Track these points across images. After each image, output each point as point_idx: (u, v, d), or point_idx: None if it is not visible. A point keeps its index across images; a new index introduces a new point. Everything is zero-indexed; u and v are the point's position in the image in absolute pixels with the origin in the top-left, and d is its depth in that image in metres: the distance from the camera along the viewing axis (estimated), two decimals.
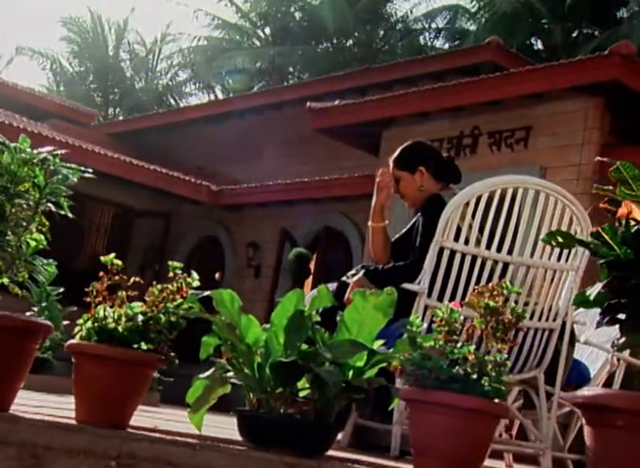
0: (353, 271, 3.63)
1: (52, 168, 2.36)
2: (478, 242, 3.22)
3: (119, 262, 2.39)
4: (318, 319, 2.45)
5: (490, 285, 2.25)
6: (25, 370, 2.27)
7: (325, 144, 12.81)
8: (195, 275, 2.44)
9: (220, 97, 27.60)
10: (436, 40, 24.96)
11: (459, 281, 3.18)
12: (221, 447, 2.12)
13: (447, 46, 23.99)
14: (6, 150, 2.32)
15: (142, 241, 14.49)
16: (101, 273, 2.35)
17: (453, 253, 3.21)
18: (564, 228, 3.20)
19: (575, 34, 21.34)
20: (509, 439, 3.68)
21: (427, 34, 25.22)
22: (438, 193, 3.66)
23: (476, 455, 2.22)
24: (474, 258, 3.21)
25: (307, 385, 2.39)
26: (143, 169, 13.53)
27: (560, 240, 1.99)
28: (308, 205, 12.63)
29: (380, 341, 2.51)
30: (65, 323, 5.30)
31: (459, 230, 3.22)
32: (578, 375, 3.72)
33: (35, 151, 2.36)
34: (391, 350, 2.40)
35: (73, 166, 2.39)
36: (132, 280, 2.38)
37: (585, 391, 1.97)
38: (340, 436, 3.30)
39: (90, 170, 2.41)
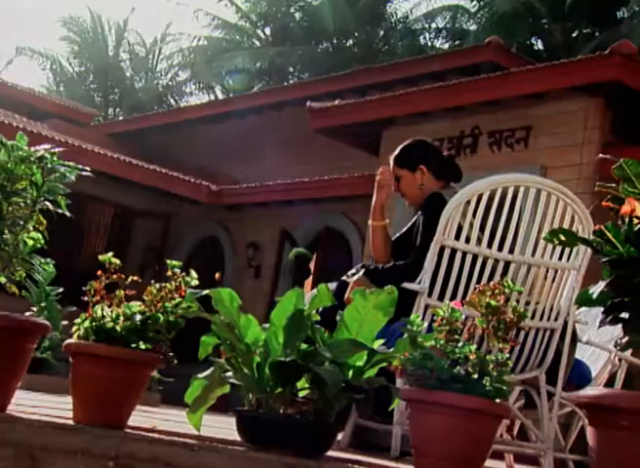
0: (353, 270, 3.61)
1: (49, 166, 2.34)
2: (479, 241, 3.20)
3: (117, 261, 2.37)
4: (318, 318, 2.43)
5: (491, 283, 2.23)
6: (22, 370, 2.26)
7: (325, 144, 12.80)
8: (194, 274, 2.42)
9: (220, 97, 27.59)
10: (436, 40, 24.97)
11: (459, 280, 3.16)
12: (220, 447, 2.11)
13: (447, 46, 23.98)
14: (3, 148, 2.31)
15: (142, 241, 14.48)
16: (99, 272, 2.33)
17: (453, 251, 3.19)
18: (565, 227, 3.18)
19: (575, 34, 21.33)
20: (510, 439, 3.66)
21: (427, 34, 25.22)
22: (439, 192, 3.64)
23: (477, 456, 2.21)
24: (475, 257, 3.19)
25: (307, 385, 2.37)
26: (143, 169, 13.52)
27: (562, 238, 1.97)
28: (308, 205, 12.62)
29: (381, 341, 2.49)
30: (65, 323, 5.29)
31: (459, 229, 3.20)
32: (579, 375, 3.70)
33: (32, 149, 2.34)
34: (392, 350, 2.38)
35: (71, 164, 2.37)
36: (130, 279, 2.36)
37: (590, 391, 1.95)
38: (339, 436, 3.28)
39: (87, 168, 2.39)
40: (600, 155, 2.84)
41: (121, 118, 25.20)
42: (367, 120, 11.10)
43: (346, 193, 11.95)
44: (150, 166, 13.70)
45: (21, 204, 2.32)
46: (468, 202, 3.18)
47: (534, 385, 3.35)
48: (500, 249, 3.21)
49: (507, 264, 3.22)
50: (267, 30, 28.09)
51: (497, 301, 2.18)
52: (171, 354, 2.38)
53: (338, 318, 2.48)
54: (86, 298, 2.33)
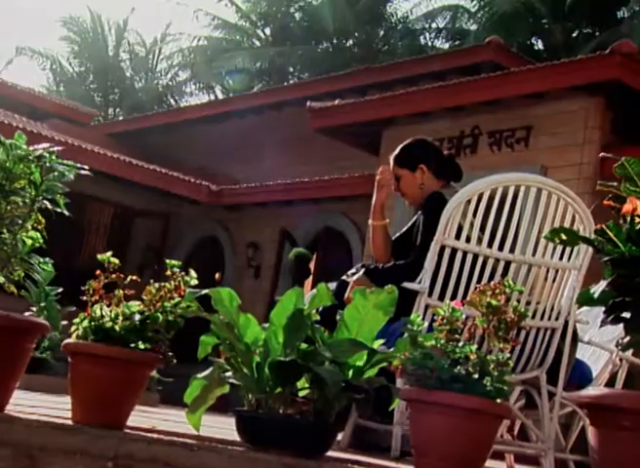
0: (353, 270, 3.60)
1: (48, 165, 2.33)
2: (479, 240, 3.19)
3: (116, 260, 2.36)
4: (318, 318, 2.43)
5: (492, 283, 2.21)
6: (21, 370, 2.25)
7: (325, 144, 12.79)
8: (193, 273, 2.41)
9: (220, 97, 27.58)
10: (436, 40, 24.96)
11: (460, 280, 3.15)
12: (220, 447, 2.10)
13: (447, 46, 23.97)
14: (1, 147, 2.29)
15: (142, 241, 14.47)
16: (98, 271, 2.33)
17: (454, 251, 3.17)
18: (566, 226, 3.16)
19: (575, 34, 21.32)
20: (511, 439, 3.65)
21: (428, 34, 25.20)
22: (439, 191, 3.63)
23: (478, 456, 2.20)
24: (476, 257, 3.18)
25: (307, 385, 2.37)
26: (143, 168, 13.52)
27: (564, 237, 1.96)
28: (308, 205, 12.61)
29: (381, 340, 2.48)
30: (64, 323, 5.28)
31: (460, 228, 3.19)
32: (580, 375, 3.69)
33: (31, 148, 2.33)
34: (392, 349, 2.37)
35: (69, 163, 2.36)
36: (129, 278, 2.35)
37: (591, 391, 1.94)
38: (339, 436, 3.27)
39: (86, 167, 2.38)
40: (602, 153, 2.82)
41: (121, 118, 25.20)
42: (367, 120, 11.09)
43: (346, 193, 11.94)
44: (150, 166, 13.69)
45: (20, 203, 2.31)
46: (469, 201, 3.17)
47: (534, 385, 3.34)
48: (501, 248, 3.20)
49: (508, 264, 3.21)
50: (267, 30, 28.08)
51: (497, 301, 2.17)
52: (170, 354, 2.37)
53: (337, 317, 2.47)
54: (85, 298, 2.32)
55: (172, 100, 29.14)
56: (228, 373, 2.39)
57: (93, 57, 29.27)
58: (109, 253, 2.37)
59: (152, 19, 49.91)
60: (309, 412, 2.33)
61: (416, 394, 2.17)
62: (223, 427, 2.98)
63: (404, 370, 2.19)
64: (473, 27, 23.41)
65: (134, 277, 2.37)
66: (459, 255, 3.17)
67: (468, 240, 3.18)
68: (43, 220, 2.37)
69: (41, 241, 2.38)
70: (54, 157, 2.33)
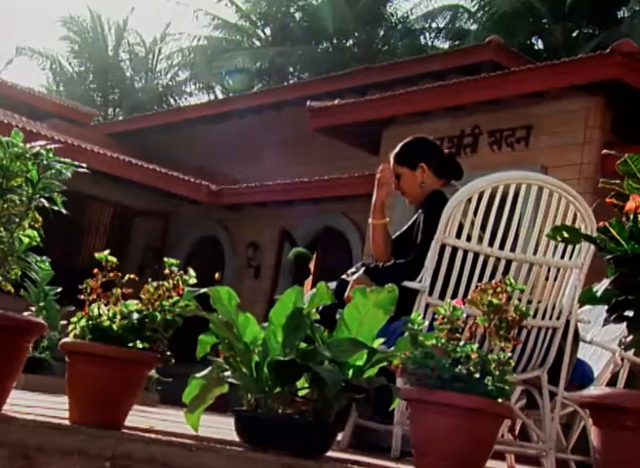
0: (353, 269, 3.58)
1: (45, 163, 2.31)
2: (480, 239, 3.17)
3: (114, 259, 2.34)
4: (317, 317, 2.41)
5: (493, 282, 2.20)
6: (18, 370, 2.23)
7: (325, 144, 12.78)
8: (192, 272, 2.39)
9: (220, 97, 27.57)
10: (436, 40, 24.95)
11: (460, 279, 3.13)
12: (218, 447, 2.08)
13: (447, 46, 23.96)
14: None
15: (141, 241, 14.46)
16: (95, 270, 2.31)
17: (454, 250, 3.16)
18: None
19: (575, 34, 21.31)
20: (512, 439, 3.63)
21: (428, 34, 25.19)
22: (439, 189, 3.61)
23: (479, 456, 2.18)
24: (476, 256, 3.16)
25: (306, 385, 2.35)
26: (143, 168, 13.50)
27: (566, 235, 1.94)
28: (308, 205, 12.59)
29: (381, 340, 2.46)
30: (63, 322, 5.26)
31: (460, 227, 3.17)
32: (581, 375, 3.68)
33: (28, 146, 2.31)
34: (392, 349, 2.35)
35: (67, 160, 2.34)
36: (127, 277, 2.33)
37: (593, 391, 1.92)
38: (339, 436, 3.26)
39: (84, 164, 2.36)
40: (605, 151, 2.80)
41: (121, 118, 25.18)
42: (367, 119, 11.08)
43: (346, 193, 11.93)
44: (150, 165, 13.68)
45: (17, 201, 2.29)
46: (469, 200, 3.15)
47: (535, 385, 3.32)
48: (502, 247, 3.18)
49: (509, 263, 3.19)
50: (267, 30, 28.08)
51: (499, 300, 2.15)
52: (168, 353, 2.35)
53: (337, 317, 2.45)
54: (82, 297, 2.30)
55: (172, 100, 29.13)
56: (227, 373, 2.37)
57: (92, 56, 29.26)
58: (107, 252, 2.35)
59: (152, 19, 49.92)
60: (309, 412, 2.31)
61: (416, 393, 2.15)
62: (222, 427, 2.96)
63: (404, 370, 2.18)
64: (473, 27, 23.41)
65: (132, 276, 2.35)
66: (459, 254, 3.16)
67: (469, 239, 3.17)
68: (40, 219, 2.35)
69: (38, 239, 2.36)
70: (51, 155, 2.31)
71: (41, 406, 2.79)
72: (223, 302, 2.36)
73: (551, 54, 18.89)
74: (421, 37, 25.33)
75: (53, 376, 4.94)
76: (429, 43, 24.95)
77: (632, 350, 2.03)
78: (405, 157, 3.76)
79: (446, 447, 2.12)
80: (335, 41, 26.46)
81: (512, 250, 3.19)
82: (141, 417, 2.93)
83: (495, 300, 2.14)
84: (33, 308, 5.22)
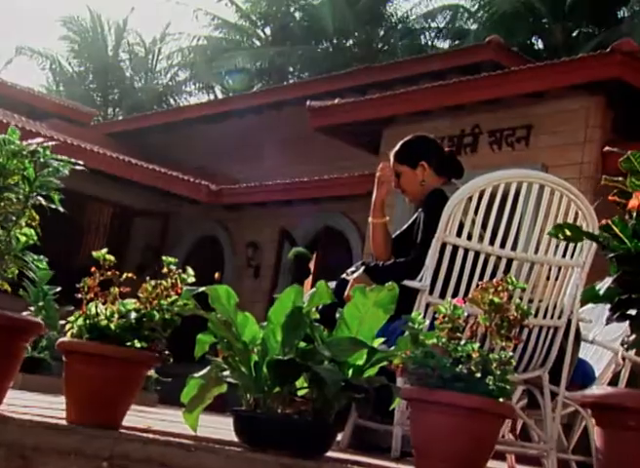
0: (353, 268, 3.56)
1: (42, 160, 2.29)
2: (481, 238, 3.15)
3: (111, 258, 2.33)
4: (317, 316, 2.39)
5: (494, 280, 2.18)
6: (15, 370, 2.21)
7: (325, 144, 12.76)
8: (190, 271, 2.37)
9: (220, 96, 27.56)
10: (436, 40, 24.94)
11: (461, 278, 3.11)
12: (217, 448, 2.06)
13: (447, 45, 23.96)
14: None
15: (141, 240, 14.45)
16: (93, 268, 2.29)
17: (455, 248, 3.14)
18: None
19: (575, 34, 21.30)
20: (513, 440, 3.61)
21: (428, 34, 25.18)
22: (440, 188, 3.59)
23: (480, 456, 2.16)
24: (477, 254, 3.14)
25: (306, 384, 2.33)
26: (142, 168, 13.49)
27: (568, 233, 1.92)
28: (308, 204, 12.58)
29: (381, 339, 2.44)
30: (62, 322, 5.23)
31: (461, 225, 3.15)
32: (583, 375, 3.66)
33: (25, 143, 2.29)
34: (392, 348, 2.33)
35: (64, 158, 2.32)
36: (124, 276, 2.31)
37: (595, 390, 1.90)
38: (339, 436, 3.24)
39: (81, 162, 2.34)
40: (607, 148, 2.77)
41: (120, 118, 25.17)
42: (367, 119, 11.06)
43: (346, 193, 11.92)
44: (150, 165, 13.67)
45: (14, 199, 2.27)
46: (470, 198, 3.13)
47: (537, 385, 3.30)
48: (503, 246, 3.16)
49: (510, 262, 3.17)
50: (267, 30, 28.07)
51: (500, 298, 2.13)
52: (167, 353, 2.33)
53: (337, 316, 2.43)
54: (80, 296, 2.28)
55: (171, 100, 29.12)
56: (226, 373, 2.35)
57: (92, 56, 29.25)
58: (105, 250, 2.33)
59: (152, 19, 49.94)
60: (308, 412, 2.29)
61: (416, 393, 2.14)
62: (221, 427, 2.95)
63: (405, 369, 2.16)
64: (473, 27, 23.39)
65: (130, 274, 2.33)
66: (460, 253, 3.14)
67: (470, 237, 3.15)
68: (37, 217, 2.33)
69: (35, 238, 2.34)
70: (48, 152, 2.29)
71: (38, 405, 2.77)
72: (222, 301, 2.34)
73: (551, 53, 18.87)
74: (421, 37, 25.32)
75: (51, 376, 4.92)
76: (429, 43, 24.94)
77: (634, 350, 2.01)
78: (405, 155, 3.74)
79: (447, 447, 2.10)
80: (335, 41, 26.44)
81: (513, 248, 3.17)
82: (140, 417, 2.91)
83: (496, 299, 2.12)
84: (32, 308, 5.21)
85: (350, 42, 26.59)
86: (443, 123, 10.19)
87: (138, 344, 2.26)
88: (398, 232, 3.76)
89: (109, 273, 2.29)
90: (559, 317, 3.29)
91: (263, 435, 2.24)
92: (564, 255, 3.26)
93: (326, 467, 2.15)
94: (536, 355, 3.25)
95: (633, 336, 1.88)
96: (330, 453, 2.37)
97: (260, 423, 2.27)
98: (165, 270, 2.34)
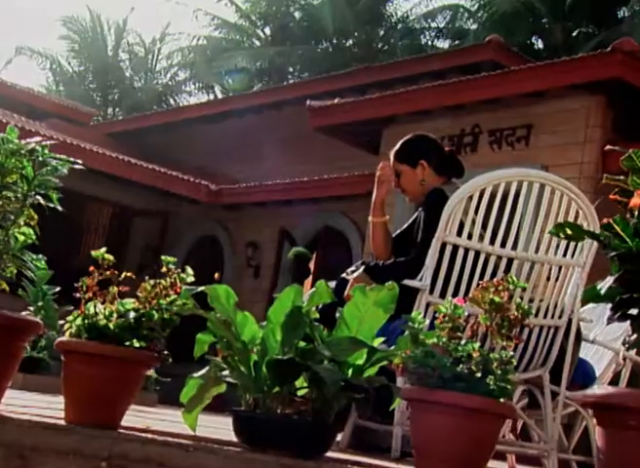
0: (353, 267, 3.55)
1: (40, 159, 2.28)
2: (481, 237, 3.14)
3: (110, 257, 2.31)
4: (317, 316, 2.38)
5: (495, 280, 2.17)
6: (13, 369, 2.20)
7: (324, 144, 12.75)
8: (189, 270, 2.36)
9: (220, 96, 27.54)
10: (436, 40, 24.92)
11: (461, 277, 3.10)
12: (216, 448, 2.05)
13: (447, 45, 23.94)
14: None
15: (141, 240, 14.44)
16: (92, 268, 2.28)
17: (455, 248, 3.13)
18: None
19: (575, 33, 21.29)
20: (514, 440, 3.60)
21: (427, 34, 25.16)
22: (440, 187, 3.58)
23: (480, 457, 2.15)
24: (477, 254, 3.13)
25: (305, 384, 2.32)
26: (142, 168, 13.48)
27: (569, 232, 1.91)
28: (308, 204, 12.57)
29: (381, 339, 2.43)
30: (62, 322, 5.23)
31: (461, 225, 3.14)
32: (583, 375, 3.64)
33: (23, 142, 2.28)
34: (392, 348, 2.32)
35: (62, 157, 2.31)
36: (123, 275, 2.30)
37: (597, 390, 1.89)
38: (339, 437, 3.23)
39: (79, 161, 2.33)
40: (608, 146, 2.77)
41: (120, 118, 25.15)
42: (367, 118, 11.05)
43: (346, 192, 11.91)
44: (149, 165, 13.65)
45: (12, 198, 2.26)
46: (470, 197, 3.12)
47: (537, 384, 3.29)
48: (503, 245, 3.15)
49: (510, 261, 3.16)
50: (267, 30, 28.06)
51: (500, 298, 2.12)
52: (166, 352, 2.32)
53: (337, 315, 2.42)
54: (78, 295, 2.27)
55: (171, 100, 29.11)
56: (225, 372, 2.34)
57: (92, 56, 29.24)
58: (103, 250, 2.32)
59: (152, 19, 49.94)
60: (308, 412, 2.28)
61: (417, 393, 2.13)
62: (220, 427, 2.93)
63: (405, 369, 2.15)
64: (473, 27, 23.38)
65: (129, 274, 2.32)
66: (460, 252, 3.13)
67: (470, 237, 3.14)
68: (36, 216, 2.32)
69: (34, 237, 2.33)
70: (46, 151, 2.28)
71: (37, 405, 2.77)
72: (221, 301, 2.33)
73: (551, 53, 18.84)
74: (421, 37, 25.30)
75: (51, 376, 4.91)
76: (429, 43, 24.93)
77: (635, 349, 2.00)
78: (405, 154, 3.73)
79: (447, 447, 2.09)
80: (335, 41, 26.43)
81: (514, 248, 3.16)
82: (139, 417, 2.90)
83: (497, 298, 2.11)
84: (31, 308, 5.20)
85: (350, 42, 26.58)
86: (443, 122, 10.18)
87: (136, 344, 2.25)
88: (398, 231, 3.75)
89: (108, 272, 2.28)
90: (560, 317, 3.28)
91: (263, 435, 2.23)
92: (564, 255, 3.25)
93: (326, 467, 2.14)
94: (536, 355, 3.24)
95: (634, 336, 1.87)
96: (330, 454, 2.36)
97: (260, 423, 2.26)
98: (164, 269, 2.33)
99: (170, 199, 14.14)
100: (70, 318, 2.28)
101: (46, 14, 66.77)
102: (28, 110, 15.85)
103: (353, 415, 3.33)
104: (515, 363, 2.15)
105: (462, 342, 2.11)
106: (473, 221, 3.14)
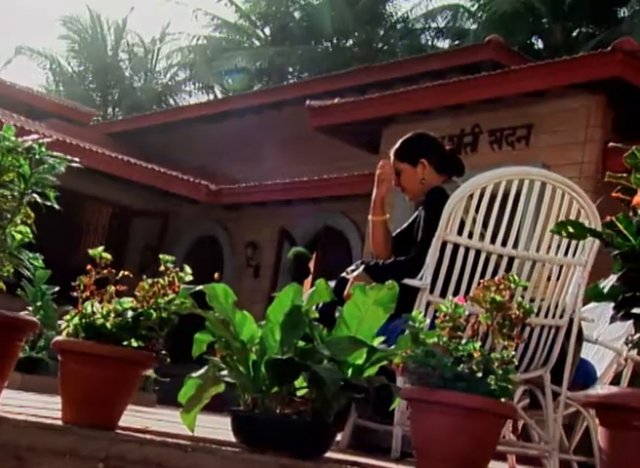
0: (353, 267, 3.53)
1: (37, 157, 2.26)
2: (482, 236, 3.12)
3: (108, 256, 2.29)
4: (316, 315, 2.36)
5: (496, 279, 2.15)
6: (9, 369, 2.18)
7: (324, 143, 12.74)
8: (188, 269, 2.34)
9: (220, 96, 27.53)
10: (436, 39, 24.92)
11: (462, 276, 3.08)
12: (214, 448, 2.03)
13: (447, 45, 23.93)
14: None
15: (140, 240, 14.42)
16: (89, 266, 2.26)
17: (456, 247, 3.11)
18: None
19: (575, 33, 21.28)
20: (515, 440, 3.58)
21: (428, 34, 25.15)
22: (440, 186, 3.56)
23: (481, 457, 2.13)
24: (478, 253, 3.11)
25: (305, 384, 2.30)
26: (142, 168, 13.47)
27: (571, 230, 1.89)
28: (308, 204, 12.56)
29: (381, 338, 2.41)
30: (61, 322, 5.21)
31: (462, 224, 3.12)
32: (584, 375, 3.63)
33: (20, 140, 2.26)
34: (392, 347, 2.30)
35: (60, 155, 2.29)
36: (121, 274, 2.28)
37: (599, 390, 1.87)
38: (338, 437, 3.21)
39: (76, 159, 2.31)
40: (611, 143, 2.74)
41: (120, 118, 25.15)
42: (367, 118, 11.04)
43: (346, 192, 11.90)
44: (149, 165, 13.64)
45: (9, 196, 2.24)
46: (471, 196, 3.11)
47: (538, 385, 3.27)
48: (504, 244, 3.13)
49: (511, 260, 3.14)
50: (267, 30, 28.05)
51: (502, 297, 2.10)
52: (164, 352, 2.30)
53: (337, 314, 2.40)
54: (75, 294, 2.25)
55: (171, 100, 29.10)
56: (224, 372, 2.32)
57: (92, 56, 29.24)
58: (101, 248, 2.30)
59: (151, 19, 49.94)
60: (307, 412, 2.26)
61: (417, 393, 2.11)
62: (219, 427, 2.91)
63: (405, 369, 2.13)
64: (473, 27, 23.37)
65: (126, 272, 2.30)
66: (461, 251, 3.11)
67: (471, 236, 3.12)
68: (32, 214, 2.30)
69: (31, 236, 2.31)
70: (43, 149, 2.26)
71: (33, 406, 2.75)
72: (220, 300, 2.31)
73: (551, 53, 18.81)
74: (421, 37, 25.29)
75: (49, 376, 4.89)
76: (429, 43, 24.92)
77: (636, 349, 1.98)
78: (405, 153, 3.71)
79: (447, 447, 2.07)
80: (334, 41, 26.43)
81: (515, 247, 3.14)
82: (137, 418, 2.88)
83: (498, 297, 2.10)
84: (30, 307, 5.19)
85: (350, 42, 26.57)
86: (443, 122, 10.16)
87: (134, 343, 2.22)
88: (398, 230, 3.74)
89: (105, 271, 2.26)
90: (561, 316, 3.26)
91: (262, 435, 2.21)
92: (566, 254, 3.23)
93: None
94: (537, 354, 3.23)
95: (638, 335, 1.85)
96: (329, 454, 2.34)
97: (259, 423, 2.24)
98: (162, 268, 2.31)
99: (169, 199, 14.13)
100: (67, 317, 2.26)
101: (46, 14, 66.81)
102: (28, 110, 15.85)
103: (353, 415, 3.32)
104: (516, 362, 2.13)
105: (463, 342, 2.09)
106: (474, 220, 3.12)
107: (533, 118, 9.52)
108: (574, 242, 3.18)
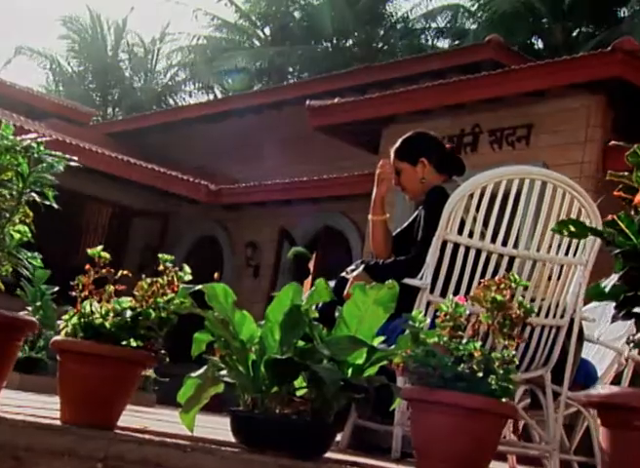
0: (353, 266, 3.52)
1: (36, 156, 2.25)
2: (482, 235, 3.11)
3: (107, 255, 2.29)
4: (316, 314, 2.35)
5: (497, 278, 2.14)
6: (7, 369, 2.18)
7: (324, 143, 12.74)
8: (187, 268, 2.33)
9: (220, 96, 27.53)
10: (436, 39, 24.92)
11: (462, 276, 3.07)
12: (213, 448, 2.02)
13: (447, 45, 23.92)
14: None
15: (140, 241, 14.41)
16: (87, 266, 2.25)
17: (456, 246, 3.10)
18: None
19: (575, 33, 21.28)
20: (516, 440, 3.57)
21: (428, 34, 25.15)
22: (440, 185, 3.55)
23: (482, 457, 2.13)
24: (478, 252, 3.10)
25: (304, 384, 2.29)
26: (141, 168, 13.46)
27: (572, 229, 1.88)
28: (307, 204, 12.55)
29: (381, 338, 2.40)
30: (60, 322, 5.20)
31: (462, 223, 3.11)
32: (585, 375, 3.62)
33: (18, 138, 2.25)
34: (392, 347, 2.29)
35: (58, 153, 2.28)
36: (120, 273, 2.27)
37: (600, 390, 1.86)
38: (338, 437, 3.20)
39: (75, 158, 2.30)
40: (612, 142, 2.73)
41: (120, 118, 25.14)
42: (366, 118, 11.03)
43: (345, 192, 11.89)
44: (149, 165, 13.63)
45: (7, 195, 2.23)
46: (471, 195, 3.10)
47: (539, 384, 3.26)
48: (505, 243, 3.12)
49: (512, 260, 3.13)
50: (267, 30, 28.05)
51: (502, 296, 2.09)
52: (163, 352, 2.29)
53: (336, 314, 2.39)
54: (74, 294, 2.24)
55: (171, 100, 29.09)
56: (223, 372, 2.31)
57: (92, 56, 29.24)
58: (100, 248, 2.29)
59: (151, 19, 49.93)
60: (307, 412, 2.25)
61: (417, 393, 2.10)
62: (218, 427, 2.91)
63: (405, 369, 2.12)
64: (473, 27, 23.37)
65: (125, 272, 2.29)
66: (461, 251, 3.10)
67: (471, 235, 3.11)
68: (31, 214, 2.29)
69: (29, 235, 2.30)
70: (42, 148, 2.25)
71: (32, 406, 2.74)
72: (219, 299, 2.30)
73: (551, 53, 18.80)
74: (421, 37, 25.29)
75: (48, 376, 4.89)
76: (429, 43, 24.92)
77: (637, 349, 1.97)
78: (405, 152, 3.70)
79: (448, 447, 2.06)
80: (334, 41, 26.42)
81: (515, 246, 3.13)
82: (136, 418, 2.87)
83: (498, 297, 2.09)
84: (30, 307, 5.18)
85: (350, 42, 26.57)
86: (443, 122, 10.15)
87: (133, 343, 2.21)
88: (399, 230, 3.73)
89: (104, 270, 2.25)
90: (562, 316, 3.25)
91: (261, 435, 2.20)
92: (566, 253, 3.22)
93: None
94: (538, 354, 3.22)
95: (639, 335, 1.84)
96: (329, 454, 2.33)
97: (258, 423, 2.23)
98: (161, 268, 2.30)
99: (169, 199, 14.12)
100: (66, 317, 2.25)
101: (46, 14, 66.81)
102: (28, 110, 15.84)
103: (353, 415, 3.31)
104: (517, 362, 2.12)
105: (464, 341, 2.08)
106: (474, 219, 3.11)
107: (533, 118, 9.51)
108: (574, 241, 3.17)
